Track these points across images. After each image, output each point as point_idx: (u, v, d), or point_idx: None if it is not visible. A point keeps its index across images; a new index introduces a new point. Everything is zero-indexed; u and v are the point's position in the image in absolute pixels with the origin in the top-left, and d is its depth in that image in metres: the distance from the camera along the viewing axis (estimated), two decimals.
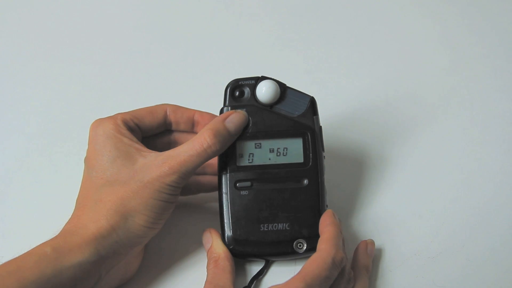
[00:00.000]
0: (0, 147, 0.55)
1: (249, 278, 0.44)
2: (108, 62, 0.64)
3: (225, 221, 0.44)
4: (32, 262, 0.37)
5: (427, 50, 0.66)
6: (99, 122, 0.44)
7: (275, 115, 0.45)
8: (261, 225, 0.44)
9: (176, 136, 0.47)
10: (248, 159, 0.44)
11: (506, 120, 0.58)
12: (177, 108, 0.46)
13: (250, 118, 0.45)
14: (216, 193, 0.45)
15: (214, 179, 0.46)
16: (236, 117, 0.44)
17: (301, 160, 0.45)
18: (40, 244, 0.39)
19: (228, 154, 0.44)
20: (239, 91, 0.45)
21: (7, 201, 0.51)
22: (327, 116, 0.49)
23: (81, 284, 0.38)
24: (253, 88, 0.45)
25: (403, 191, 0.52)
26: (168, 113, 0.46)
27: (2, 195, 0.51)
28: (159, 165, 0.41)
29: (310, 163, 0.44)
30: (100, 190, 0.41)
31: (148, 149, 0.43)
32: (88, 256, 0.38)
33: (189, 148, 0.41)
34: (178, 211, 0.48)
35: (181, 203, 0.49)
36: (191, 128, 0.47)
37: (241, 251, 0.44)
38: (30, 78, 0.62)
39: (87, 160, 0.43)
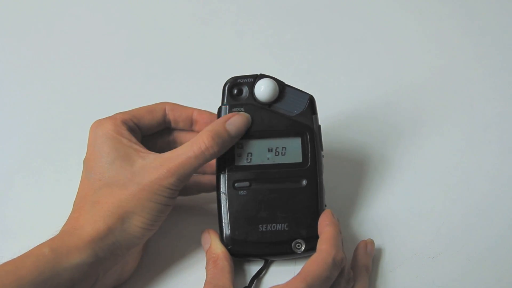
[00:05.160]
0: (0, 147, 0.55)
1: (248, 278, 0.44)
2: (108, 62, 0.64)
3: (224, 221, 0.44)
4: (30, 262, 0.37)
5: (427, 50, 0.66)
6: (98, 123, 0.43)
7: (274, 114, 0.45)
8: (260, 225, 0.44)
9: (176, 134, 0.47)
10: (247, 159, 0.44)
11: (506, 120, 0.58)
12: (175, 106, 0.46)
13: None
14: (215, 194, 0.45)
15: (215, 178, 0.46)
16: (237, 120, 0.43)
17: (299, 160, 0.44)
18: (38, 245, 0.38)
19: (226, 153, 0.44)
20: (237, 89, 0.45)
21: (7, 201, 0.51)
22: (327, 116, 0.49)
23: (79, 285, 0.38)
24: (251, 86, 0.45)
25: (403, 191, 0.52)
26: (167, 112, 0.46)
27: (2, 195, 0.51)
28: (157, 168, 0.40)
29: (309, 163, 0.44)
30: (98, 191, 0.41)
31: (147, 150, 0.42)
32: (86, 258, 0.38)
33: (187, 150, 0.41)
34: (177, 211, 0.48)
35: (181, 204, 0.49)
36: (190, 127, 0.46)
37: (240, 251, 0.44)
38: (30, 79, 0.62)
39: (86, 161, 0.43)
